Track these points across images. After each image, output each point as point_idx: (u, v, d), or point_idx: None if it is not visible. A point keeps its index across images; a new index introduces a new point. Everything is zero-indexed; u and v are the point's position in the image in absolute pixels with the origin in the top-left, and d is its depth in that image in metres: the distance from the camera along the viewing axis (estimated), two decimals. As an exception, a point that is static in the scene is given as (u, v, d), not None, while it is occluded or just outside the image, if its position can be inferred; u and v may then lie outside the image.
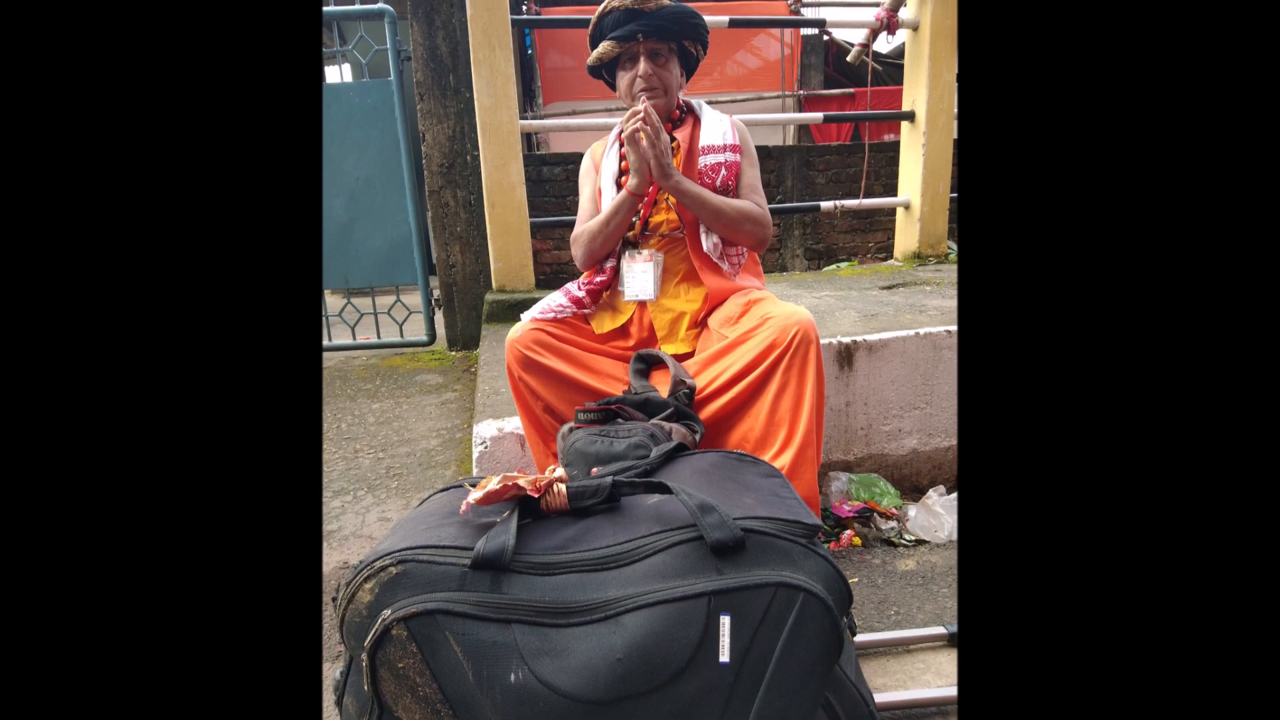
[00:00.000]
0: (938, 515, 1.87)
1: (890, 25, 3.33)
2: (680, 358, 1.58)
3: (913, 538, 1.84)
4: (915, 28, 3.36)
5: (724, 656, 0.81)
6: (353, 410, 2.89)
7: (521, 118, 2.87)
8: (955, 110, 3.41)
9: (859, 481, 2.00)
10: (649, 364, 1.56)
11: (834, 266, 3.96)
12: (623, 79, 1.65)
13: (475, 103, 2.82)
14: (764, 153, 6.09)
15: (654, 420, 1.29)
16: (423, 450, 2.45)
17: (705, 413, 1.45)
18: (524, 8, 7.53)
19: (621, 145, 1.69)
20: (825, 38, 8.45)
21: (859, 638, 1.38)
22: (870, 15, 3.43)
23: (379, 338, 4.04)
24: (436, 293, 3.74)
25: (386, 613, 0.82)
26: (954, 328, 2.07)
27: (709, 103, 1.80)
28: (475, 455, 1.78)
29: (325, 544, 1.89)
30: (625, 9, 1.56)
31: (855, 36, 3.67)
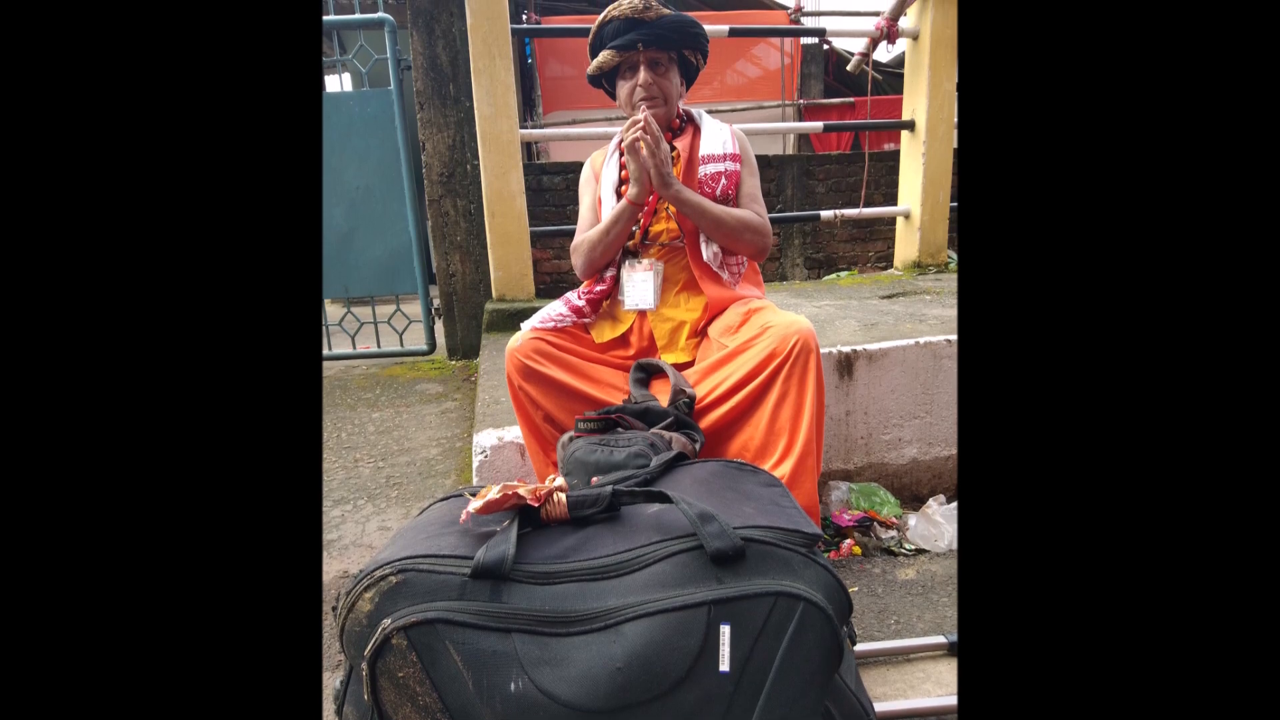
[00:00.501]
0: (938, 524, 1.87)
1: (890, 34, 3.33)
2: (680, 367, 1.58)
3: (913, 547, 1.84)
4: (915, 37, 3.37)
5: (724, 666, 0.81)
6: (353, 419, 2.89)
7: (521, 127, 2.88)
8: (955, 119, 3.42)
9: (859, 491, 2.00)
10: (649, 373, 1.56)
11: (834, 275, 3.96)
12: (623, 88, 1.65)
13: (475, 112, 2.83)
14: (764, 162, 6.11)
15: (654, 429, 1.29)
16: (423, 459, 2.45)
17: (705, 422, 1.45)
18: (524, 17, 7.56)
19: (621, 154, 1.69)
20: (825, 47, 8.47)
21: (859, 647, 1.37)
22: (870, 24, 3.43)
23: (379, 347, 4.03)
24: (436, 302, 3.74)
25: (386, 622, 0.82)
26: (954, 337, 2.06)
27: (709, 112, 1.80)
28: (475, 464, 1.78)
29: (325, 553, 1.88)
30: (625, 18, 1.56)
31: (855, 45, 3.68)
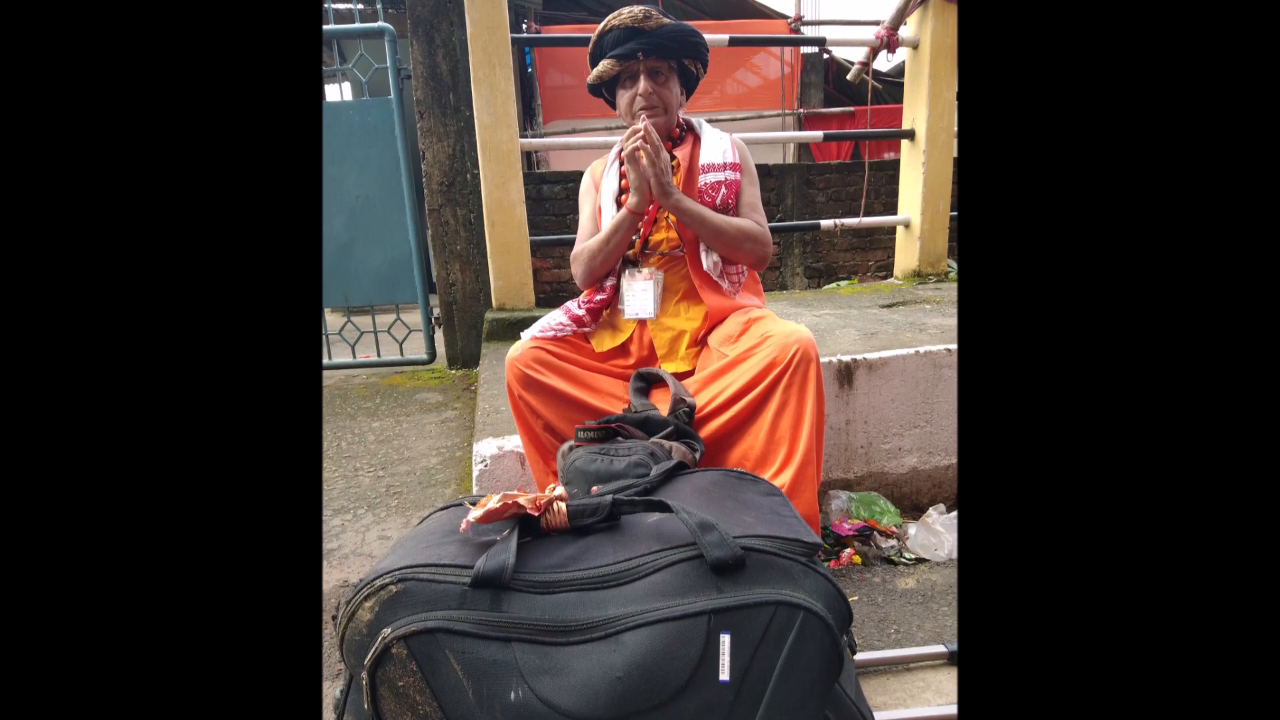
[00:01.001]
0: (938, 534, 1.87)
1: (890, 44, 3.34)
2: (680, 376, 1.58)
3: (913, 556, 1.84)
4: (915, 46, 3.38)
5: (724, 675, 0.81)
6: (353, 428, 2.89)
7: (521, 136, 2.89)
8: (955, 128, 3.43)
9: (859, 500, 1.99)
10: (649, 382, 1.56)
11: (834, 285, 3.97)
12: (623, 97, 1.65)
13: (475, 121, 2.83)
14: (764, 171, 6.12)
15: (654, 438, 1.29)
16: (423, 469, 2.45)
17: (705, 431, 1.44)
18: (524, 26, 7.59)
19: (621, 163, 1.70)
20: (825, 56, 8.49)
21: (859, 656, 1.37)
22: (870, 34, 3.45)
23: (379, 356, 4.04)
24: (436, 311, 3.74)
25: (386, 631, 0.82)
26: (954, 346, 2.07)
27: (709, 121, 1.81)
28: (475, 473, 1.78)
29: (325, 562, 1.88)
30: (626, 27, 1.57)
31: (855, 55, 3.68)
